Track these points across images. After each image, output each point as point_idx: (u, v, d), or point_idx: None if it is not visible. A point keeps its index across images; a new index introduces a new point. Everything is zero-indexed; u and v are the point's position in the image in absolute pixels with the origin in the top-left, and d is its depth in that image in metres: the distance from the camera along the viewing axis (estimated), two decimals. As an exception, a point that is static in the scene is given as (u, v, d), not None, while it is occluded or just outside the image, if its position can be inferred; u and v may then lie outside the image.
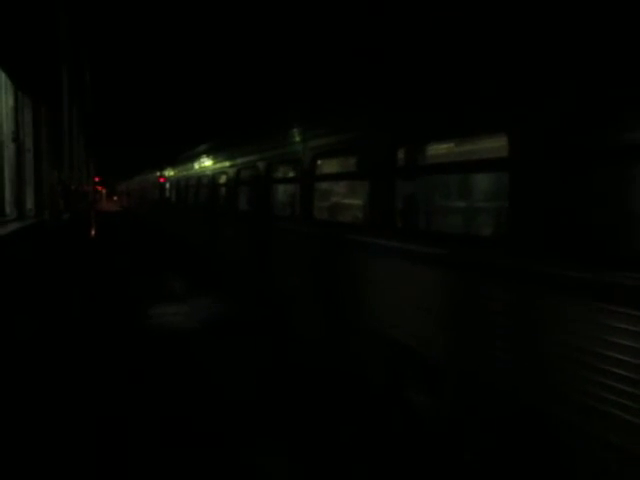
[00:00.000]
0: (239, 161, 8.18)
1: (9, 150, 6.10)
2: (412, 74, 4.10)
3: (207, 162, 10.78)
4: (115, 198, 59.44)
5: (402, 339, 3.92)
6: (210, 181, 10.21)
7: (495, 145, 3.20)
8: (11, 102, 6.13)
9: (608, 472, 2.38)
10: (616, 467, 2.34)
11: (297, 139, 5.77)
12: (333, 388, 4.80)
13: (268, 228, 6.53)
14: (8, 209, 6.00)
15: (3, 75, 5.82)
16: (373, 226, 4.34)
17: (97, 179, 45.04)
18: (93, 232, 19.12)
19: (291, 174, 6.27)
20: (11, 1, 5.47)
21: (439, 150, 4.41)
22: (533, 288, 2.72)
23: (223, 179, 9.23)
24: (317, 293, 5.33)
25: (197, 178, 11.60)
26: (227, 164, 8.94)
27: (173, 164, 15.76)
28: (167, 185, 16.85)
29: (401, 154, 4.11)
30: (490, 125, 3.10)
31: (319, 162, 5.41)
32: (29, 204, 6.96)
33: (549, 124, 2.57)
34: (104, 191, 65.79)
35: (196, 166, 11.89)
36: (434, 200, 5.00)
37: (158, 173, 18.50)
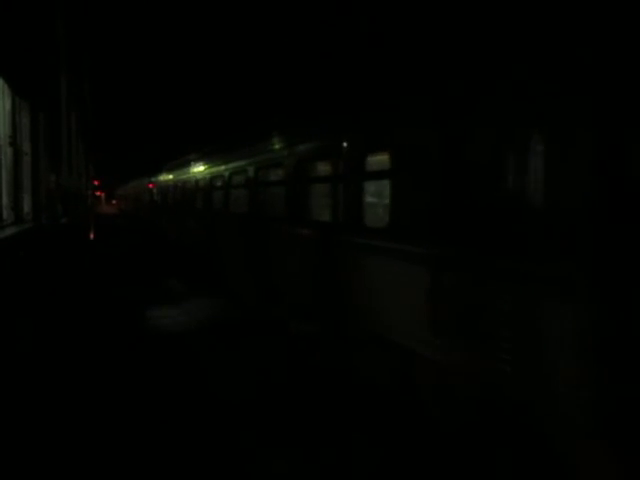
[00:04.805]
0: (200, 173, 11.39)
1: (6, 154, 6.11)
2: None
3: (179, 173, 14.16)
4: (114, 202, 59.48)
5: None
6: (181, 187, 13.72)
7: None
8: (8, 106, 6.15)
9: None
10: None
11: (222, 165, 9.47)
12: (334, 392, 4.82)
13: (215, 219, 10.04)
14: (5, 213, 6.01)
15: (0, 79, 5.83)
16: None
17: (96, 183, 45.10)
18: (92, 235, 19.28)
19: (224, 183, 9.37)
20: (7, 6, 5.51)
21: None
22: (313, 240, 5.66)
23: (189, 186, 12.56)
24: (243, 256, 8.26)
25: (174, 185, 15.06)
26: (192, 175, 12.18)
27: (159, 173, 19.12)
28: (154, 190, 20.28)
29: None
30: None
31: (237, 177, 8.51)
32: (26, 208, 6.98)
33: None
34: (103, 195, 65.82)
35: (172, 176, 15.47)
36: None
37: (147, 180, 22.30)
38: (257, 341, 6.46)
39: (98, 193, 57.41)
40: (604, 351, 2.32)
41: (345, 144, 4.71)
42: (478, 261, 3.09)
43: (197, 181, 11.62)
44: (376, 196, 5.04)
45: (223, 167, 9.25)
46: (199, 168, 11.43)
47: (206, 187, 10.56)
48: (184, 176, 13.30)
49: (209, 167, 10.44)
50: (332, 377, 5.08)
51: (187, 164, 12.99)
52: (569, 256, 2.49)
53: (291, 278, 6.24)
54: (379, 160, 4.35)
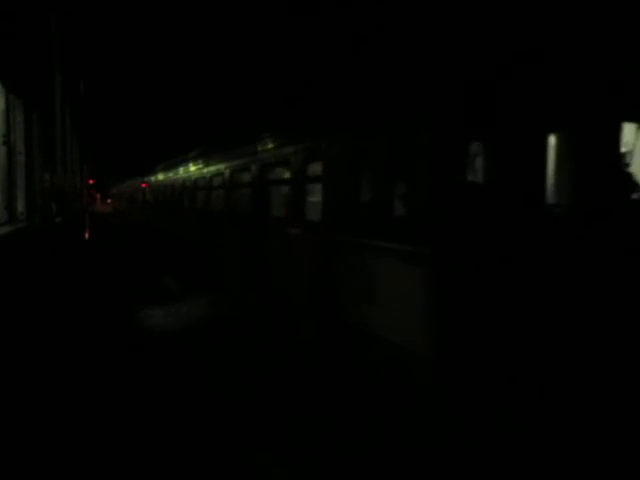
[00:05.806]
0: (187, 174, 12.36)
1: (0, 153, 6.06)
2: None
3: (169, 175, 15.21)
4: (109, 201, 59.26)
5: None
6: (170, 187, 14.80)
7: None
8: (2, 104, 6.09)
9: None
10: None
11: (201, 168, 10.57)
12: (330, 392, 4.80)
13: (201, 217, 10.95)
14: (-2, 212, 5.97)
15: (-6, 78, 5.78)
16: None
17: (91, 182, 44.95)
18: (87, 235, 19.22)
19: (206, 184, 10.28)
20: (0, 4, 5.46)
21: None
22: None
23: (177, 185, 13.59)
24: (216, 243, 9.29)
25: (164, 185, 16.23)
26: (180, 176, 13.13)
27: (152, 173, 19.89)
28: (147, 190, 21.25)
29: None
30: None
31: (214, 180, 9.50)
32: (20, 207, 6.93)
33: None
34: (98, 195, 65.61)
35: (163, 176, 16.54)
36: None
37: (141, 180, 23.35)
38: (245, 337, 6.45)
39: (93, 192, 57.20)
40: (446, 301, 3.36)
41: (293, 152, 5.74)
42: (363, 243, 4.17)
43: (184, 182, 12.69)
44: (316, 196, 5.90)
45: (205, 170, 10.28)
46: (187, 170, 12.36)
47: (192, 188, 11.65)
48: (173, 177, 14.35)
49: (196, 169, 11.35)
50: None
51: (176, 166, 13.91)
52: (418, 238, 3.51)
53: (252, 264, 7.41)
54: (314, 168, 5.35)
